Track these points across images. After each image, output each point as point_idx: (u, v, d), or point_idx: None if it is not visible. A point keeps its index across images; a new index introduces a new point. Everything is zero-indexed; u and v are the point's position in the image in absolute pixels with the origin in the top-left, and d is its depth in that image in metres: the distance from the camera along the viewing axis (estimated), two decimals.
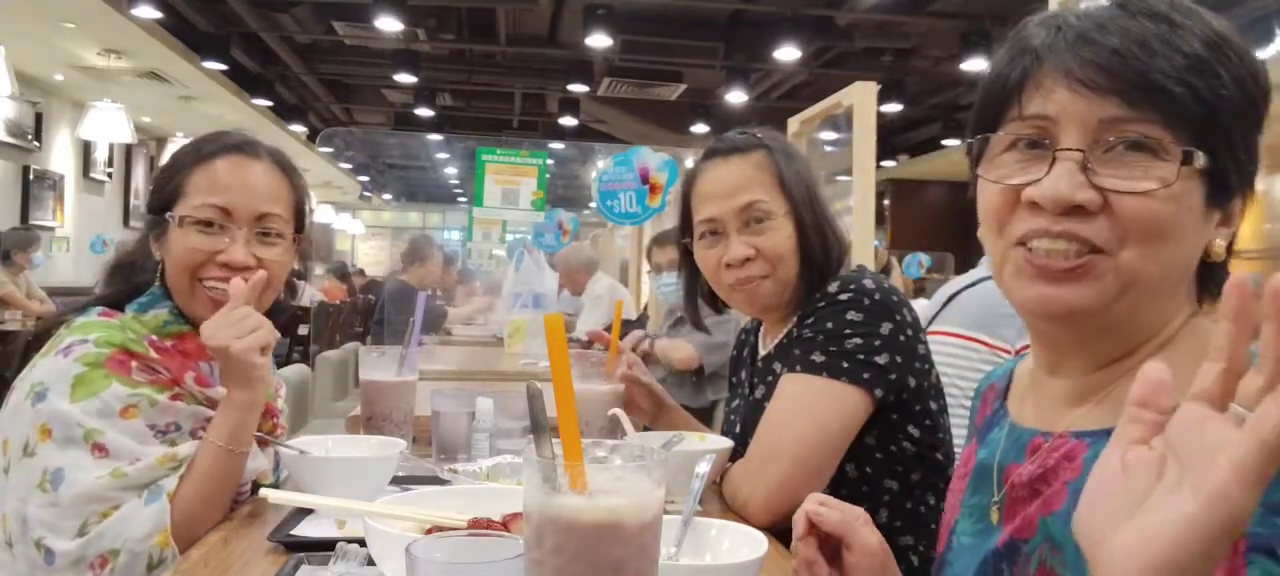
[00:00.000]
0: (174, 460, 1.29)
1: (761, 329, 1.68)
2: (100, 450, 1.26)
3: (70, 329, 1.35)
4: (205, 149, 1.45)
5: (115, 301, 1.43)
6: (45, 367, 1.30)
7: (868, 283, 1.49)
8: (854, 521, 0.96)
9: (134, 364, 1.33)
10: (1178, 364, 0.63)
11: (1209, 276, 0.83)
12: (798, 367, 1.45)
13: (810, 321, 1.48)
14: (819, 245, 1.54)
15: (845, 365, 1.41)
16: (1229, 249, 0.81)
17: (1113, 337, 0.81)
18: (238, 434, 1.33)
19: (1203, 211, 0.77)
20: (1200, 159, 0.74)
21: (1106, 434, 0.71)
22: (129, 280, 1.47)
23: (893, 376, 1.43)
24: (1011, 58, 0.82)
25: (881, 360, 1.42)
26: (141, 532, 1.23)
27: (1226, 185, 0.77)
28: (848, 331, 1.43)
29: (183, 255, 1.39)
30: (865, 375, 1.41)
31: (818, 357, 1.43)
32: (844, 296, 1.47)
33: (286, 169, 1.49)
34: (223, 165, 1.43)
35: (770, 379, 1.54)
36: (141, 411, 1.30)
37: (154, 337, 1.38)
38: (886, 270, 5.91)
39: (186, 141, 1.52)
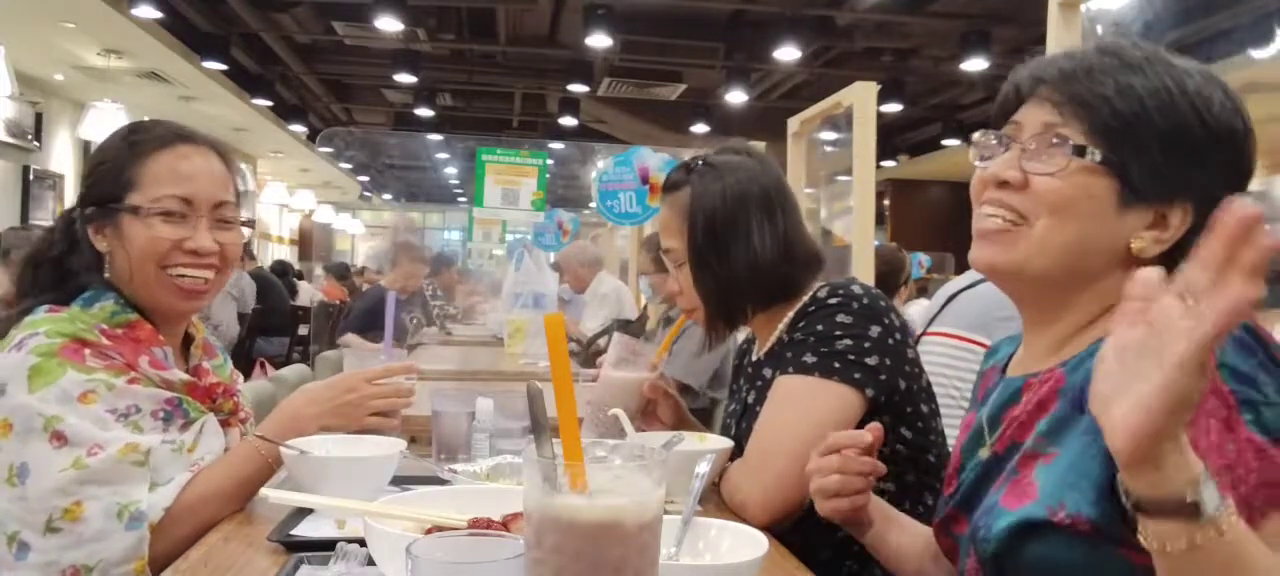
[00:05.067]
0: (136, 451, 1.28)
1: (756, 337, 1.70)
2: (59, 438, 1.25)
3: (19, 327, 1.36)
4: (147, 140, 1.44)
5: (59, 301, 1.42)
6: (0, 364, 1.30)
7: (856, 288, 1.51)
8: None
9: (87, 351, 1.33)
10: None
11: None
12: (790, 369, 1.46)
13: (801, 325, 1.50)
14: (715, 286, 1.56)
15: (836, 365, 1.43)
16: (1172, 252, 0.94)
17: (1054, 290, 1.00)
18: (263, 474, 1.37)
19: (1113, 205, 0.95)
20: (1094, 155, 0.94)
21: (1088, 356, 0.92)
22: (65, 279, 1.45)
23: (883, 377, 1.44)
24: (1014, 79, 1.04)
25: (871, 361, 1.44)
26: (118, 556, 1.23)
27: (1135, 187, 0.94)
28: (838, 333, 1.45)
29: (148, 245, 1.40)
30: (856, 375, 1.43)
31: (809, 358, 1.45)
32: (833, 300, 1.49)
33: (223, 154, 1.51)
34: (171, 156, 1.43)
35: (760, 383, 1.57)
36: (99, 397, 1.30)
37: (105, 326, 1.38)
38: (899, 269, 5.74)
39: (120, 131, 1.51)
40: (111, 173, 1.43)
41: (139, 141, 1.44)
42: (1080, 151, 0.94)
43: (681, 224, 1.58)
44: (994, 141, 1.03)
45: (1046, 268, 0.98)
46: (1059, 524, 0.89)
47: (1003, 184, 0.99)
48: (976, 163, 1.04)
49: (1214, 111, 0.94)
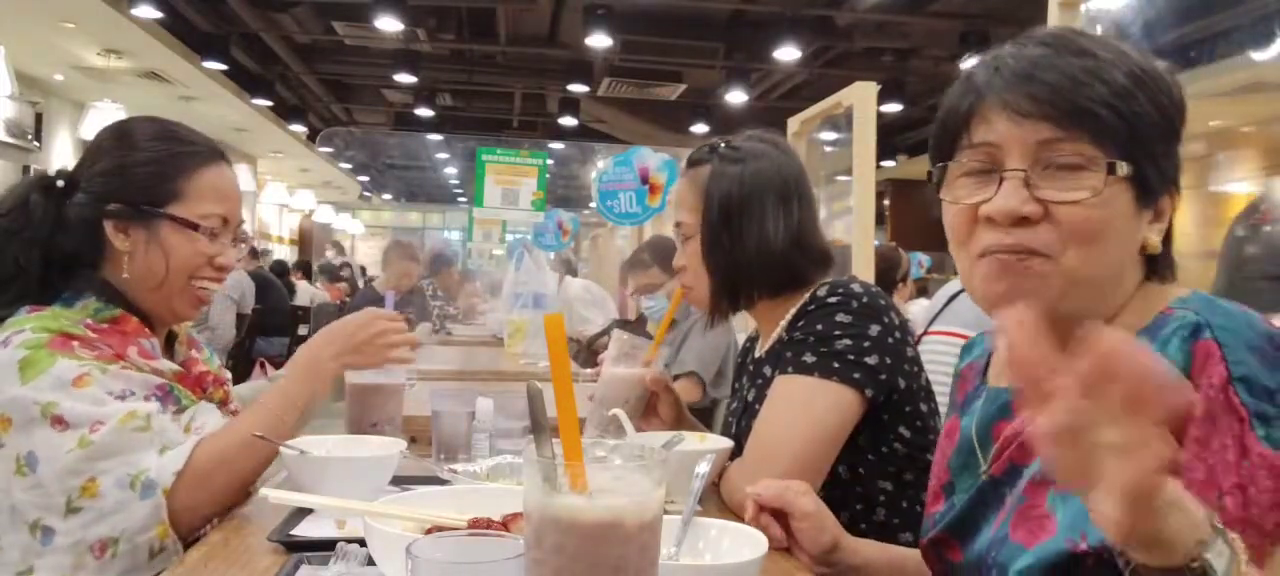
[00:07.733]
0: (136, 417, 1.29)
1: (759, 334, 1.70)
2: (60, 422, 1.26)
3: (2, 327, 1.37)
4: (193, 155, 1.46)
5: (38, 302, 1.40)
6: None
7: (855, 287, 1.51)
8: (789, 493, 1.16)
9: (75, 343, 1.34)
10: (1131, 324, 0.90)
11: (1153, 263, 0.95)
12: (789, 369, 1.46)
13: (800, 324, 1.50)
14: (723, 265, 1.57)
15: (836, 365, 1.43)
16: (1165, 241, 0.93)
17: (1070, 323, 0.86)
18: (287, 420, 1.40)
19: (1133, 213, 0.90)
20: (1123, 168, 0.87)
21: None
22: (45, 261, 1.40)
23: (882, 377, 1.44)
24: (960, 95, 0.95)
25: (871, 361, 1.44)
26: (138, 525, 1.25)
27: (1150, 188, 0.90)
28: (837, 332, 1.45)
29: (189, 259, 1.44)
30: (856, 375, 1.43)
31: (809, 358, 1.44)
32: (832, 299, 1.49)
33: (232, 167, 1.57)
34: (215, 173, 1.48)
35: (760, 382, 1.57)
36: (94, 380, 1.31)
37: (90, 321, 1.40)
38: (896, 265, 5.73)
39: (154, 132, 1.48)
40: (153, 177, 1.43)
41: (183, 152, 1.46)
42: (1112, 168, 0.86)
43: (697, 199, 1.59)
44: (968, 171, 0.93)
45: (1080, 303, 0.90)
46: (1082, 554, 0.84)
47: (1021, 221, 0.89)
48: (963, 202, 0.93)
49: (1171, 87, 0.91)
